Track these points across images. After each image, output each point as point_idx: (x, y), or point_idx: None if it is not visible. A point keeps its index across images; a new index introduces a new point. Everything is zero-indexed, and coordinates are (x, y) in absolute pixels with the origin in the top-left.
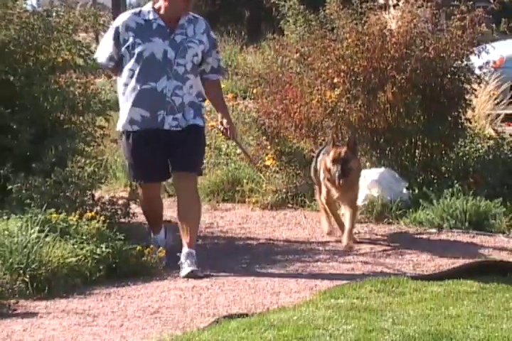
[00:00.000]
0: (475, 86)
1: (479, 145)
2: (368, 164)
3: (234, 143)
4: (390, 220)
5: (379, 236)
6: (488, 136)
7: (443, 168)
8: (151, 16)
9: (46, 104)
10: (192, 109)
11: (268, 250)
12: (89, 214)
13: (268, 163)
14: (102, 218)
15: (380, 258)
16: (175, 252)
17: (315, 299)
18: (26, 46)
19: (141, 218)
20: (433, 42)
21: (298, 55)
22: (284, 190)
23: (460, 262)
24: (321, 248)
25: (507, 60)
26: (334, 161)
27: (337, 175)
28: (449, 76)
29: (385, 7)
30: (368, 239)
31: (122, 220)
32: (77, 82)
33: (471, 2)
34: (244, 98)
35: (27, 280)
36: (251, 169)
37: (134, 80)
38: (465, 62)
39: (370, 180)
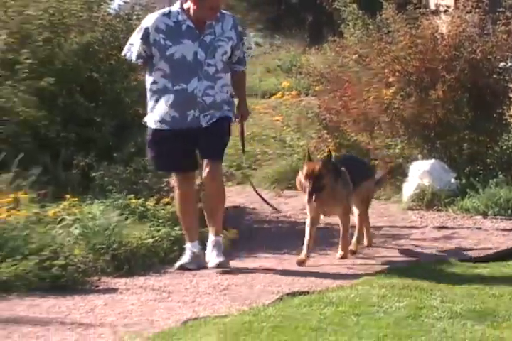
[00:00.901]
0: None
1: None
2: (419, 156)
3: (292, 138)
4: (440, 207)
5: (429, 222)
6: None
7: (488, 160)
8: (180, 17)
9: (126, 99)
10: (226, 105)
11: (327, 233)
12: (165, 200)
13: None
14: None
15: (430, 242)
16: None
17: (370, 278)
18: (109, 46)
19: None
20: (480, 45)
21: (356, 56)
22: None
23: (503, 246)
24: (376, 232)
25: None
26: (306, 177)
27: (308, 190)
28: (494, 76)
29: (436, 12)
30: (419, 225)
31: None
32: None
33: None
34: (306, 95)
35: (108, 259)
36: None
37: (165, 80)
38: (509, 64)
39: (422, 171)
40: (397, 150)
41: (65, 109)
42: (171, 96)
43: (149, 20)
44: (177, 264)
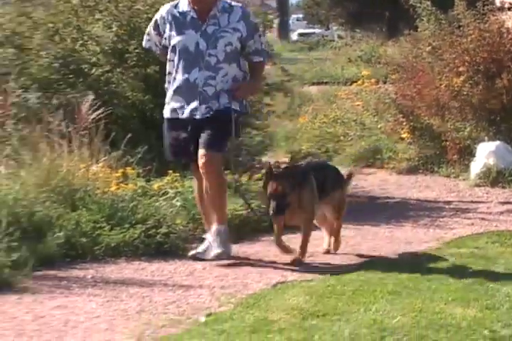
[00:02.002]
0: None
1: None
2: (485, 138)
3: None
4: (504, 185)
5: (494, 198)
6: None
7: None
8: (185, 8)
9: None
10: (227, 95)
11: (402, 207)
12: (256, 176)
13: (404, 135)
14: None
15: (495, 216)
16: None
17: (442, 248)
18: None
19: None
20: None
21: (430, 47)
22: (416, 158)
23: None
24: (446, 206)
25: None
26: (271, 197)
27: (271, 212)
28: None
29: (502, 9)
30: (485, 200)
31: None
32: None
33: None
34: (384, 83)
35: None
36: (389, 141)
37: (174, 71)
38: None
39: (488, 151)
40: (465, 133)
41: None
42: (178, 86)
43: (161, 11)
44: (190, 253)
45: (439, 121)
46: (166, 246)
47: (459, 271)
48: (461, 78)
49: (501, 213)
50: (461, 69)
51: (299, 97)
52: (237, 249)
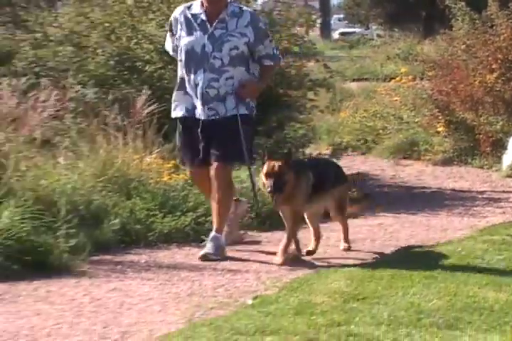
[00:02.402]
0: None
1: None
2: None
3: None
4: None
5: (498, 186)
6: None
7: None
8: (197, 10)
9: (270, 82)
10: (233, 98)
11: (438, 197)
12: None
13: (439, 129)
14: None
15: None
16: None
17: (474, 235)
18: None
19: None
20: None
21: (464, 46)
22: (451, 151)
23: None
24: (479, 196)
25: None
26: (267, 175)
27: (269, 189)
28: None
29: None
30: None
31: None
32: (293, 65)
33: None
34: (421, 79)
35: (253, 216)
36: (425, 134)
37: (183, 71)
38: None
39: None
40: (498, 127)
41: None
42: (186, 86)
43: (175, 12)
44: (201, 253)
45: (472, 115)
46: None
47: (491, 257)
48: (494, 75)
49: None
50: (494, 66)
51: (341, 93)
52: (281, 235)
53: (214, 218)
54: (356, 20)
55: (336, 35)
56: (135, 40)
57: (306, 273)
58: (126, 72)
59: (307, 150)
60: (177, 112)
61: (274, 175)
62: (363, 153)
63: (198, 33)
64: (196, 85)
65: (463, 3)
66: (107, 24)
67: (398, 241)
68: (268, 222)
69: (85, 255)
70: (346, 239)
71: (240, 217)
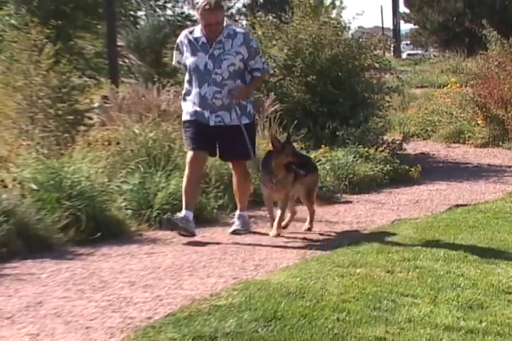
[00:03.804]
0: None
1: None
2: None
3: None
4: None
5: None
6: None
7: None
8: (198, 34)
9: (358, 88)
10: (238, 109)
11: (477, 170)
12: (380, 149)
13: (479, 122)
14: (387, 151)
15: None
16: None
17: (504, 197)
18: (347, 56)
19: (408, 150)
20: None
21: (497, 62)
22: (487, 137)
23: None
24: (508, 169)
25: None
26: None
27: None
28: None
29: None
30: None
31: (398, 152)
32: (374, 77)
33: None
34: (466, 86)
35: (346, 183)
36: (469, 125)
37: (188, 85)
38: None
39: None
40: None
41: (321, 94)
42: (192, 98)
43: (180, 36)
44: (231, 229)
45: (503, 111)
46: (320, 194)
47: None
48: None
49: None
50: None
51: (408, 96)
52: (367, 197)
53: (238, 201)
54: (419, 44)
55: (404, 55)
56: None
57: (384, 224)
58: None
59: (385, 137)
60: (186, 116)
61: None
62: (424, 139)
63: (201, 53)
64: (204, 97)
65: (495, 32)
66: None
67: (449, 201)
68: (357, 188)
69: (229, 211)
70: (311, 222)
71: (248, 225)
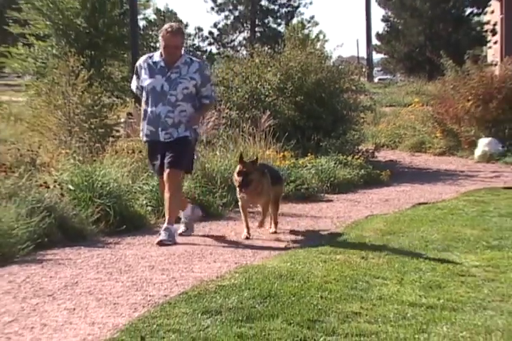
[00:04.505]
0: None
1: None
2: (483, 135)
3: None
4: (493, 161)
5: (487, 169)
6: None
7: None
8: (157, 59)
9: (338, 107)
10: (184, 126)
11: (436, 174)
12: (356, 157)
13: (437, 135)
14: (362, 158)
15: (488, 179)
16: (397, 173)
17: (458, 197)
18: (329, 80)
19: (379, 158)
20: None
21: (452, 86)
22: (444, 147)
23: None
24: (461, 173)
25: None
26: (238, 173)
27: (237, 184)
28: None
29: (492, 64)
30: (483, 170)
31: (371, 159)
32: (351, 97)
33: None
34: (427, 105)
35: (328, 185)
36: (429, 138)
37: (146, 105)
38: None
39: (484, 143)
40: (472, 133)
41: (308, 111)
42: (148, 117)
43: (139, 61)
44: (157, 240)
45: (457, 126)
46: (307, 195)
47: (468, 209)
48: (470, 103)
49: (492, 177)
50: (469, 98)
51: (379, 113)
52: (345, 197)
53: (166, 212)
54: (388, 71)
55: (376, 79)
56: (260, 83)
57: (360, 218)
58: (254, 102)
59: (360, 147)
60: (145, 138)
61: (243, 173)
62: (392, 149)
63: (158, 76)
64: (158, 115)
65: (450, 61)
66: (243, 73)
67: (413, 200)
68: (336, 188)
69: (231, 208)
70: (275, 224)
71: (194, 219)
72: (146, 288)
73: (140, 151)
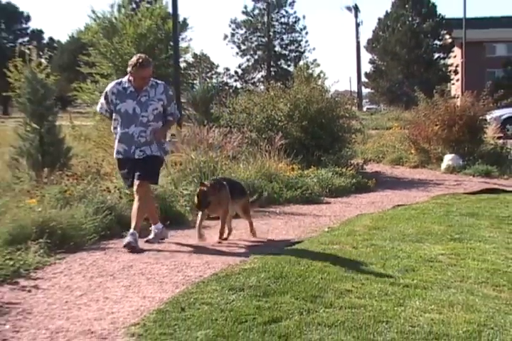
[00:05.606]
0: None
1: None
2: (448, 152)
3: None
4: (455, 173)
5: (451, 178)
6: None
7: (475, 155)
8: (126, 85)
9: (335, 129)
10: (156, 145)
11: (411, 182)
12: (349, 168)
13: (412, 151)
14: (353, 170)
15: (452, 186)
16: (381, 181)
17: (429, 200)
18: (328, 109)
19: (367, 170)
20: (473, 110)
21: (423, 113)
22: (417, 161)
23: (482, 187)
24: (430, 182)
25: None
26: (197, 195)
27: (196, 204)
28: (478, 122)
29: (454, 97)
30: (447, 179)
31: (360, 170)
32: (345, 122)
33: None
34: (404, 128)
35: (327, 190)
36: (406, 154)
37: (118, 126)
38: (485, 117)
39: (449, 158)
40: (439, 150)
41: (311, 133)
42: (121, 137)
43: (108, 87)
44: (123, 242)
45: (427, 145)
46: (310, 198)
47: (436, 210)
48: (437, 127)
49: (454, 185)
50: (437, 123)
51: (367, 135)
52: (340, 199)
53: (133, 220)
54: (374, 102)
55: (364, 108)
56: (274, 111)
57: (351, 217)
58: (270, 125)
59: (352, 161)
60: (117, 155)
61: (201, 195)
62: (377, 162)
63: (129, 100)
64: (131, 136)
65: (422, 94)
66: (261, 103)
67: (393, 202)
68: (334, 193)
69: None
70: (252, 231)
71: (160, 237)
72: (185, 270)
73: (181, 164)
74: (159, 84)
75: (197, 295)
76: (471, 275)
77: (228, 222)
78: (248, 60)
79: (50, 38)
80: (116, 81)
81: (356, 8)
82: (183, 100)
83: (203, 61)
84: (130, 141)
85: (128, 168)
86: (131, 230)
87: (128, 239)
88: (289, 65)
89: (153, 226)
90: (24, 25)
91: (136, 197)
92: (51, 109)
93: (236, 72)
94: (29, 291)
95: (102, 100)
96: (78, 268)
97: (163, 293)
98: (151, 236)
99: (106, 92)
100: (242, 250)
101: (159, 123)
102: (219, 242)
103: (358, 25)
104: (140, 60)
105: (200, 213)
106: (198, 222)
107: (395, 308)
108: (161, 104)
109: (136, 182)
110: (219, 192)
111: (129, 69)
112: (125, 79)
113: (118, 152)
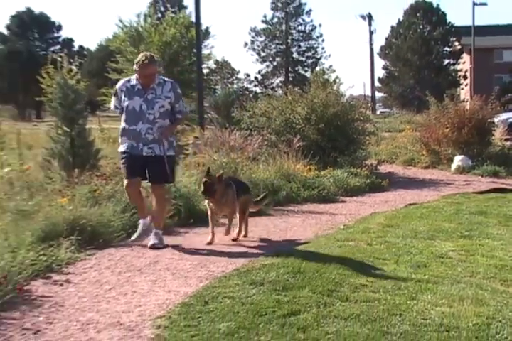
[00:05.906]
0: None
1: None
2: (457, 154)
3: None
4: (465, 173)
5: (461, 179)
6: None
7: (483, 155)
8: (134, 82)
9: (350, 132)
10: (167, 143)
11: (423, 182)
12: (363, 169)
13: (424, 153)
14: (367, 170)
15: (462, 186)
16: (394, 181)
17: (439, 199)
18: (343, 112)
19: (381, 170)
20: (482, 113)
21: (434, 117)
22: (429, 162)
23: (490, 186)
24: (441, 182)
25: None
26: (203, 183)
27: (201, 192)
28: (486, 124)
29: (463, 101)
30: (457, 179)
31: (374, 171)
32: (360, 125)
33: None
34: (416, 131)
35: (343, 190)
36: (418, 155)
37: (125, 123)
38: (493, 120)
39: (459, 159)
40: (449, 152)
41: (328, 135)
42: (129, 133)
43: (118, 84)
44: (149, 243)
45: (438, 147)
46: (326, 197)
47: (447, 209)
48: (447, 129)
49: (464, 185)
50: (447, 126)
51: (380, 137)
52: (355, 199)
53: (154, 219)
54: (387, 106)
55: (378, 112)
56: (292, 115)
57: (366, 215)
58: (288, 128)
59: (366, 162)
60: (122, 148)
61: (206, 184)
62: (390, 163)
63: (136, 97)
64: (138, 133)
65: (433, 98)
66: (280, 107)
67: (406, 201)
68: (349, 192)
69: (272, 205)
70: (246, 230)
71: (142, 234)
72: (209, 266)
73: (203, 165)
74: (167, 81)
75: (219, 289)
76: (480, 271)
77: (245, 221)
78: (267, 66)
79: (80, 46)
80: (125, 78)
81: (370, 17)
82: (205, 104)
83: (224, 67)
84: (138, 138)
85: (138, 165)
86: (155, 230)
87: (153, 240)
88: (306, 71)
89: (141, 221)
90: (56, 34)
91: (155, 199)
92: (81, 113)
93: (256, 78)
94: (61, 285)
95: (113, 97)
96: (107, 263)
97: (188, 287)
98: (154, 240)
99: (116, 90)
100: (262, 246)
101: (166, 121)
102: (233, 240)
103: (371, 32)
104: (144, 58)
105: (209, 209)
106: (209, 222)
107: (408, 302)
108: (168, 102)
109: (154, 185)
110: (226, 189)
111: (134, 67)
112: (134, 77)
113: (126, 147)
